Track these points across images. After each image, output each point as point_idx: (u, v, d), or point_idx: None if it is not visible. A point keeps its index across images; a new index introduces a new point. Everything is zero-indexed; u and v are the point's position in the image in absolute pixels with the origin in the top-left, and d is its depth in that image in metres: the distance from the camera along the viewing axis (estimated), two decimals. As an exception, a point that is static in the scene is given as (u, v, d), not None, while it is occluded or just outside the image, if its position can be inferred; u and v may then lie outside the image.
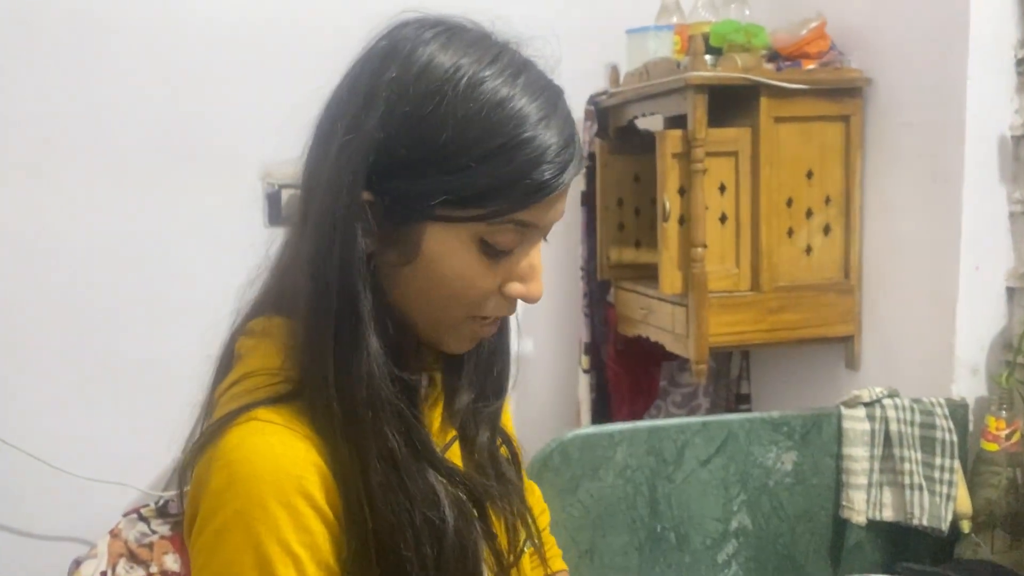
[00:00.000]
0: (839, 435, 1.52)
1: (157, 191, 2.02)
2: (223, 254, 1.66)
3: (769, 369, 2.15)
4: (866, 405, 1.53)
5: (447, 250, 0.73)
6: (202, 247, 2.03)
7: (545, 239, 0.80)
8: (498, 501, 0.85)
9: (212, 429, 0.72)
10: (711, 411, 2.19)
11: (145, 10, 1.98)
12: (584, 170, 2.11)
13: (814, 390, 1.96)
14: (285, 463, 0.68)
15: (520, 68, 0.74)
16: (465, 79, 0.71)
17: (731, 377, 2.20)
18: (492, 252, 0.74)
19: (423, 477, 0.75)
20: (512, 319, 0.89)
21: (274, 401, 0.72)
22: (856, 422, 1.52)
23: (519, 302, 0.80)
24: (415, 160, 0.71)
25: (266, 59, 2.04)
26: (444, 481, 0.77)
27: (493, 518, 0.84)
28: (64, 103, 1.95)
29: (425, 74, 0.71)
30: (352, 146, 0.72)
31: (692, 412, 2.18)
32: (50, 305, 1.98)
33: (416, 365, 0.81)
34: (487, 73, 0.71)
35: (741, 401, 2.19)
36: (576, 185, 2.11)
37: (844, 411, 1.53)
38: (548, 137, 0.71)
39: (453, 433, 0.87)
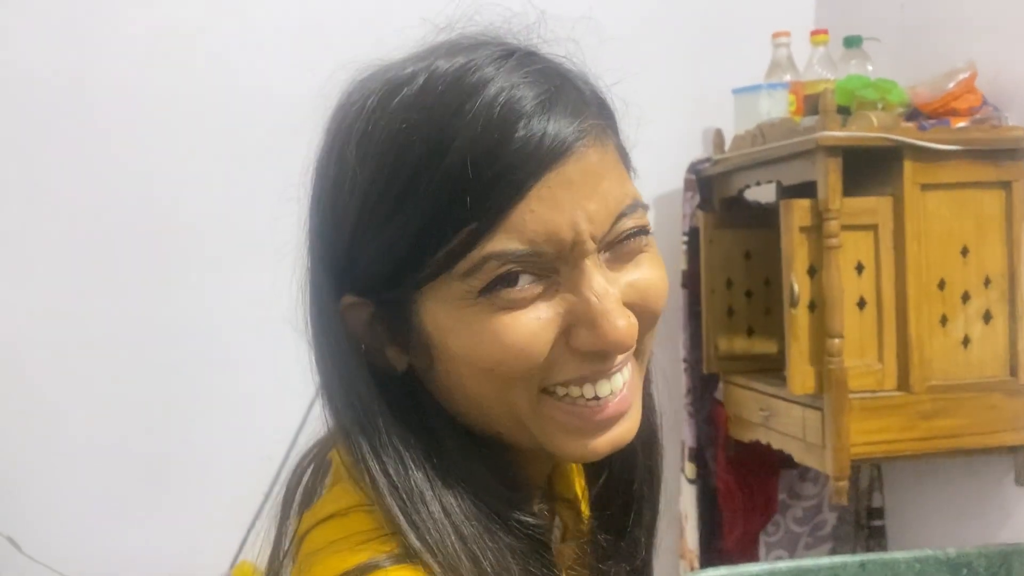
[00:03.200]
0: (1034, 579, 1.20)
1: (209, 280, 1.83)
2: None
3: (908, 479, 1.82)
4: (1067, 541, 1.21)
5: (451, 320, 0.54)
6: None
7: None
8: None
9: None
10: (838, 528, 1.87)
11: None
12: (685, 247, 1.86)
13: (972, 509, 1.63)
14: None
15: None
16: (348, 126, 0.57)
17: (861, 488, 1.88)
18: (514, 300, 0.53)
19: None
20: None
21: (398, 560, 0.51)
22: (1057, 563, 1.20)
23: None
24: (348, 236, 0.56)
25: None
26: None
27: None
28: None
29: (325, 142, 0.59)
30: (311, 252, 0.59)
31: (816, 529, 1.86)
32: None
33: (524, 497, 0.59)
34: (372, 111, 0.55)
35: (873, 516, 1.86)
36: (676, 263, 1.86)
37: (1040, 548, 1.21)
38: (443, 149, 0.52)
39: None
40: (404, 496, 0.53)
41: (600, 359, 0.55)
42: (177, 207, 1.83)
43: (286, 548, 0.58)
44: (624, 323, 0.53)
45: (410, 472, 0.54)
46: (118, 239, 1.81)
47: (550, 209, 0.52)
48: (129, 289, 1.81)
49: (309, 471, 0.62)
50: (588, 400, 0.56)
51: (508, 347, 0.52)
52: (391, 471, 0.54)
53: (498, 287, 0.52)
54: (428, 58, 0.55)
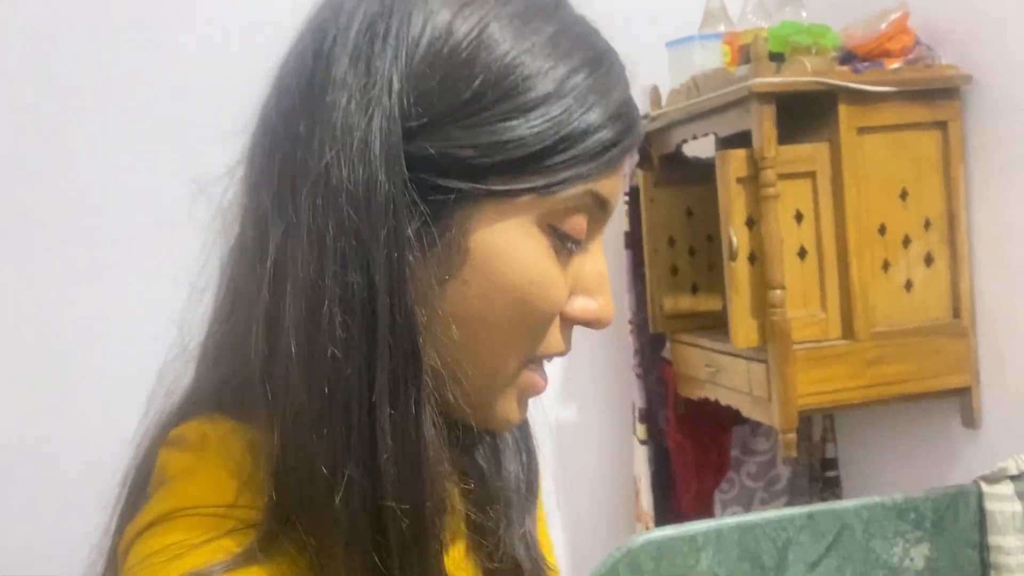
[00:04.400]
0: (981, 520, 1.19)
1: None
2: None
3: (859, 427, 1.81)
4: (1013, 479, 1.20)
5: (507, 241, 0.51)
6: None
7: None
8: None
9: None
10: (793, 481, 1.86)
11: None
12: (626, 208, 1.83)
13: (922, 453, 1.63)
14: None
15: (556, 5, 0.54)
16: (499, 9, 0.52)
17: (813, 439, 1.87)
18: (561, 245, 0.53)
19: None
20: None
21: (229, 567, 0.46)
22: (1003, 502, 1.19)
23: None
24: (453, 114, 0.50)
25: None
26: None
27: None
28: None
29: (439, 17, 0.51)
30: (364, 108, 0.49)
31: (771, 484, 1.85)
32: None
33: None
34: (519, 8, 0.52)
35: (828, 467, 1.86)
36: (618, 225, 1.83)
37: (986, 488, 1.20)
38: (610, 80, 0.53)
39: None
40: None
41: (570, 339, 0.56)
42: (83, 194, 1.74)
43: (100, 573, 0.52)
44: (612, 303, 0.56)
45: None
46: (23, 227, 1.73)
47: (620, 177, 0.55)
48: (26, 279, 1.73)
49: (132, 475, 0.55)
50: (542, 376, 0.57)
51: (546, 284, 0.52)
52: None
53: (561, 234, 0.53)
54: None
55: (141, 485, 0.54)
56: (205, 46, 1.76)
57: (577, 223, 0.52)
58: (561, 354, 0.56)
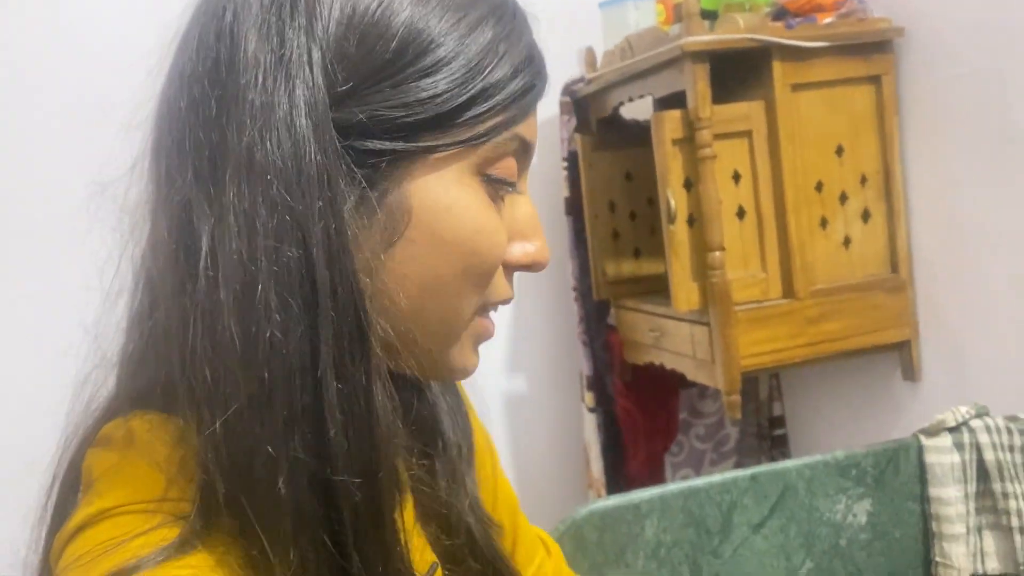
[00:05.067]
0: (922, 473, 1.20)
1: None
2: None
3: (805, 385, 1.82)
4: (951, 431, 1.20)
5: (448, 195, 0.52)
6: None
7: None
8: None
9: None
10: (742, 441, 1.87)
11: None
12: (565, 173, 1.80)
13: (865, 407, 1.64)
14: None
15: None
16: None
17: (760, 399, 1.88)
18: (495, 193, 0.55)
19: None
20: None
21: (160, 557, 0.44)
22: (942, 454, 1.19)
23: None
24: (377, 76, 0.50)
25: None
26: None
27: None
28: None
29: None
30: (284, 81, 0.48)
31: (720, 445, 1.85)
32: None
33: None
34: None
35: (775, 426, 1.87)
36: (558, 191, 1.80)
37: (925, 441, 1.20)
38: (516, 26, 0.55)
39: (432, 560, 0.60)
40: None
41: (511, 286, 0.57)
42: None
43: None
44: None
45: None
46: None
47: (535, 118, 0.56)
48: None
49: (58, 483, 0.53)
50: (490, 323, 0.58)
51: (489, 232, 0.53)
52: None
53: (495, 180, 0.54)
54: None
55: (69, 492, 0.53)
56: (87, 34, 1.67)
57: (508, 166, 0.54)
58: (507, 300, 0.58)
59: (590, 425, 1.79)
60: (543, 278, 1.86)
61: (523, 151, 0.55)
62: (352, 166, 0.48)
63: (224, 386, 0.45)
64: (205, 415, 0.46)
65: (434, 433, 0.63)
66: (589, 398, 1.78)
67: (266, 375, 0.45)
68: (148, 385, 0.52)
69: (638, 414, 1.75)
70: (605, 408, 1.79)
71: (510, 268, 0.57)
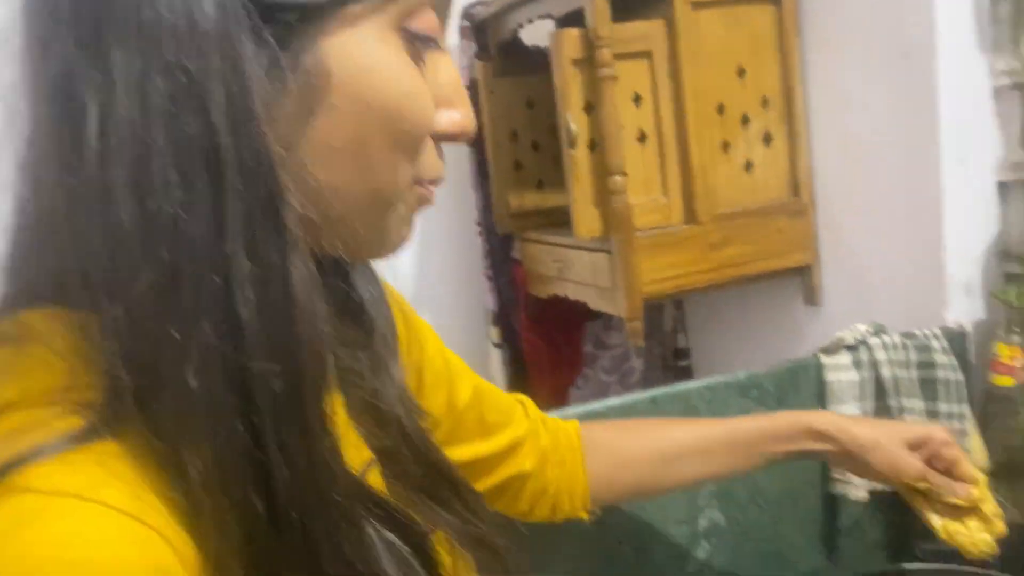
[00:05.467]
0: (821, 391, 1.20)
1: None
2: None
3: (708, 315, 1.82)
4: (850, 349, 1.21)
5: (369, 53, 0.48)
6: None
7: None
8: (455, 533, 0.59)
9: None
10: (647, 373, 1.87)
11: None
12: (466, 102, 1.73)
13: (767, 333, 1.65)
14: None
15: None
16: None
17: (665, 331, 1.88)
18: (417, 53, 0.50)
19: (360, 534, 0.48)
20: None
21: (63, 445, 0.40)
22: (840, 372, 1.20)
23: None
24: None
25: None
26: (387, 536, 0.51)
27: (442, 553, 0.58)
28: None
29: None
30: None
31: (625, 377, 1.84)
32: None
33: None
34: None
35: (680, 357, 1.87)
36: (458, 121, 1.74)
37: (824, 360, 1.21)
38: None
39: (369, 457, 0.57)
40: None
41: (441, 157, 0.54)
42: None
43: None
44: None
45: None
46: None
47: None
48: None
49: None
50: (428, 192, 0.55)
51: (415, 95, 0.49)
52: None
53: (416, 36, 0.50)
54: None
55: None
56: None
57: (429, 19, 0.50)
58: (439, 180, 0.54)
59: (496, 361, 1.76)
60: (447, 213, 1.80)
61: (441, 2, 0.52)
62: (258, 22, 0.44)
63: (122, 271, 0.41)
64: (104, 304, 0.42)
65: (361, 321, 0.60)
66: (494, 333, 1.75)
67: (168, 256, 0.41)
68: (38, 279, 0.46)
69: (543, 348, 1.72)
70: (511, 343, 1.76)
71: (438, 138, 0.53)
